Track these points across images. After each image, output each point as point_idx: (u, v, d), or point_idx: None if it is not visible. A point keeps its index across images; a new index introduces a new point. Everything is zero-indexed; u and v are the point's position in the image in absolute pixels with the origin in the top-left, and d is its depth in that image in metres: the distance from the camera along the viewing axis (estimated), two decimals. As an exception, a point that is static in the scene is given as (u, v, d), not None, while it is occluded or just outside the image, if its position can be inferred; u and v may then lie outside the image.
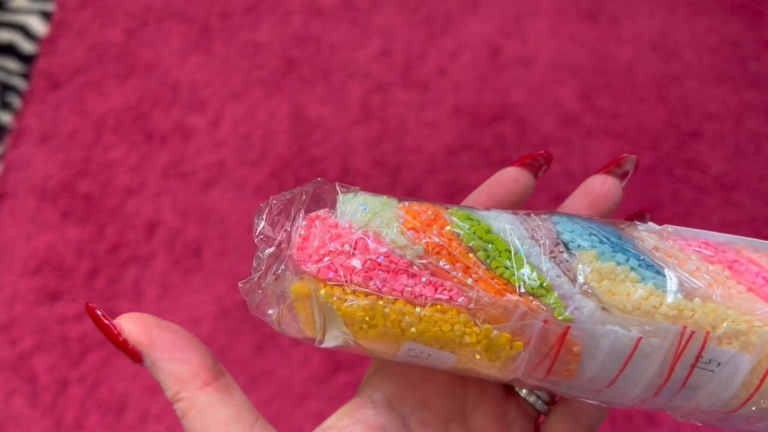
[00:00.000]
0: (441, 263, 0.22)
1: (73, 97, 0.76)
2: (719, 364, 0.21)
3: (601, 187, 0.28)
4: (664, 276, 0.22)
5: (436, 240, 0.22)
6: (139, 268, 0.66)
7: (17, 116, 0.75)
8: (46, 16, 0.82)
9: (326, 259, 0.22)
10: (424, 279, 0.22)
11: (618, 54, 0.79)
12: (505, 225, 0.23)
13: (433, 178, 0.71)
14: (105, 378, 0.61)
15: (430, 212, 0.23)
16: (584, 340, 0.22)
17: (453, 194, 0.70)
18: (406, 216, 0.23)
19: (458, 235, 0.23)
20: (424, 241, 0.22)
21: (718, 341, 0.22)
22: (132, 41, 0.80)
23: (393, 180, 0.71)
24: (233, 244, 0.67)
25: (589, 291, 0.22)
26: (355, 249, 0.22)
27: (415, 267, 0.22)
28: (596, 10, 0.82)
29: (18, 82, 0.78)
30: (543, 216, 0.24)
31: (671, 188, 0.71)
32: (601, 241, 0.23)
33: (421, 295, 0.22)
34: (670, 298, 0.22)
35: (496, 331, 0.22)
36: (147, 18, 0.81)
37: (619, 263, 0.22)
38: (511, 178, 0.27)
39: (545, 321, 0.22)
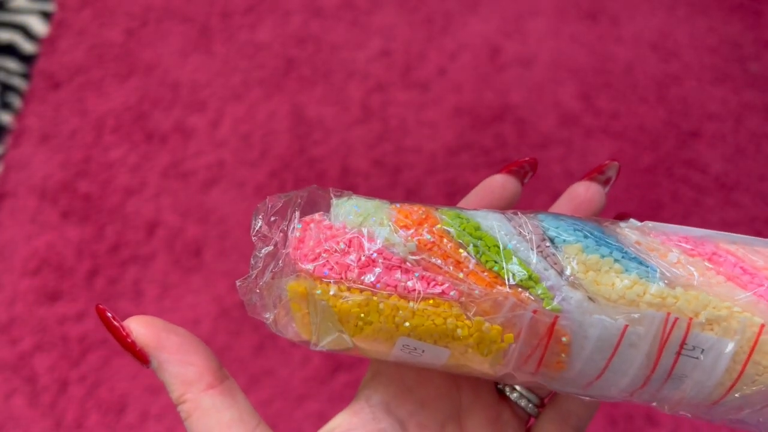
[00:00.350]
0: (433, 259, 0.23)
1: (73, 97, 0.76)
2: (703, 350, 0.22)
3: (585, 193, 0.29)
4: (647, 267, 0.23)
5: (428, 237, 0.23)
6: (139, 268, 0.66)
7: (17, 116, 0.75)
8: (46, 16, 0.82)
9: (322, 257, 0.23)
10: (416, 274, 0.23)
11: (618, 54, 0.79)
12: (494, 223, 0.24)
13: (433, 178, 0.71)
14: (105, 378, 0.61)
15: (421, 212, 0.24)
16: (572, 330, 0.22)
17: (453, 194, 0.70)
18: (398, 215, 0.24)
19: (449, 232, 0.23)
20: (416, 238, 0.23)
21: (701, 328, 0.22)
22: (132, 41, 0.80)
23: (393, 180, 0.71)
24: (233, 244, 0.67)
25: (576, 282, 0.23)
26: (349, 247, 0.23)
27: (407, 263, 0.23)
28: (596, 10, 0.82)
29: (18, 82, 0.78)
30: (529, 214, 0.25)
31: (671, 188, 0.71)
32: (585, 236, 0.24)
33: (414, 290, 0.22)
34: (653, 287, 0.23)
35: (487, 324, 0.22)
36: (147, 18, 0.81)
37: (603, 256, 0.23)
38: (499, 184, 0.29)
39: (534, 312, 0.22)
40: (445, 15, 0.82)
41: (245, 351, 0.63)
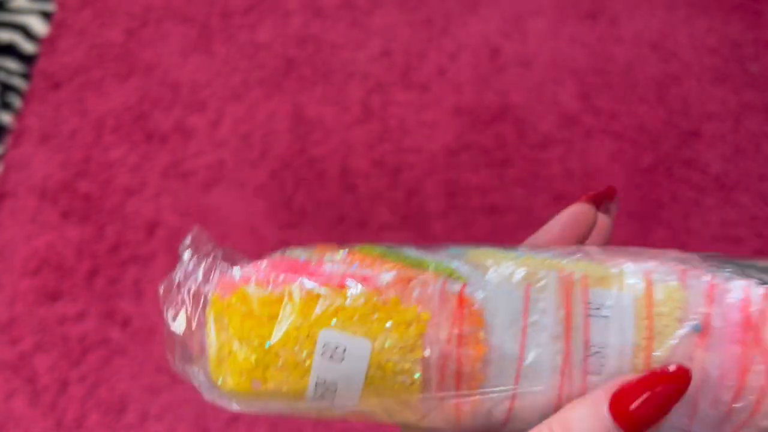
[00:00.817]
0: (354, 266, 0.24)
1: (73, 97, 0.76)
2: (611, 308, 0.22)
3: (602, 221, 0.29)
4: (542, 253, 0.25)
5: (346, 253, 0.25)
6: (139, 268, 0.66)
7: (17, 116, 0.75)
8: (46, 16, 0.82)
9: (248, 272, 0.25)
10: (333, 267, 0.24)
11: (618, 54, 0.79)
12: (411, 248, 0.25)
13: (433, 178, 0.71)
14: (105, 378, 0.61)
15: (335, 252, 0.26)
16: (480, 299, 0.23)
17: (453, 194, 0.70)
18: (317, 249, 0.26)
19: (364, 249, 0.25)
20: (337, 253, 0.24)
21: (599, 284, 0.23)
22: (132, 41, 0.80)
23: (393, 180, 0.71)
24: (233, 245, 0.67)
25: (479, 264, 0.24)
26: (272, 266, 0.24)
27: (329, 265, 0.24)
28: (596, 10, 0.82)
29: (18, 82, 0.78)
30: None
31: (671, 188, 0.71)
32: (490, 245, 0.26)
33: (333, 281, 0.23)
34: (550, 259, 0.24)
35: (403, 305, 0.23)
36: (147, 18, 0.81)
37: (505, 249, 0.25)
38: (580, 212, 0.28)
39: (444, 283, 0.23)
40: (445, 15, 0.82)
41: (245, 351, 0.63)
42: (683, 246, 0.69)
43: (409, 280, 0.23)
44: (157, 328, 0.64)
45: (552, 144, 0.73)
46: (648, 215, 0.70)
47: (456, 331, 0.23)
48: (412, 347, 0.23)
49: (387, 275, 0.23)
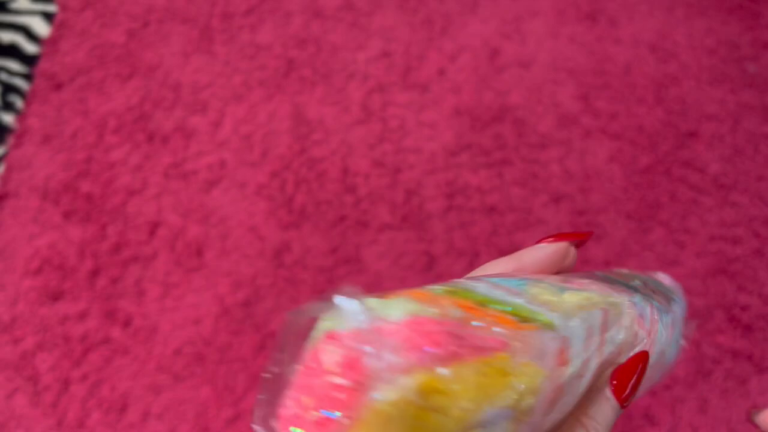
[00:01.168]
0: (474, 322, 0.22)
1: (75, 97, 0.77)
2: (619, 340, 0.28)
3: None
4: (570, 287, 0.28)
5: (457, 305, 0.22)
6: (140, 267, 0.66)
7: (20, 117, 0.76)
8: (48, 17, 0.82)
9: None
10: (475, 323, 0.22)
11: (617, 55, 0.80)
12: (471, 283, 0.25)
13: (433, 178, 0.71)
14: (106, 377, 0.62)
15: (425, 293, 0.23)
16: (570, 347, 0.25)
17: (453, 194, 0.71)
18: (411, 297, 0.22)
19: (460, 297, 0.23)
20: (448, 305, 0.22)
21: (614, 318, 0.28)
22: (133, 42, 0.80)
23: (393, 180, 0.71)
24: (234, 244, 0.68)
25: (565, 313, 0.26)
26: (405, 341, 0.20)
27: (468, 327, 0.22)
28: (595, 11, 0.83)
29: (20, 83, 0.78)
30: (479, 278, 0.27)
31: (670, 188, 0.72)
32: (526, 281, 0.28)
33: (485, 348, 0.22)
34: (592, 295, 0.28)
35: (531, 366, 0.22)
36: (148, 19, 0.82)
37: (550, 284, 0.28)
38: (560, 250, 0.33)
39: (551, 341, 0.24)
40: (445, 16, 0.82)
41: (246, 350, 0.63)
42: (681, 246, 0.69)
43: (527, 337, 0.23)
44: (158, 327, 0.64)
45: (551, 144, 0.74)
46: (647, 215, 0.70)
47: (556, 381, 0.24)
48: (529, 396, 0.23)
49: (521, 334, 0.22)
